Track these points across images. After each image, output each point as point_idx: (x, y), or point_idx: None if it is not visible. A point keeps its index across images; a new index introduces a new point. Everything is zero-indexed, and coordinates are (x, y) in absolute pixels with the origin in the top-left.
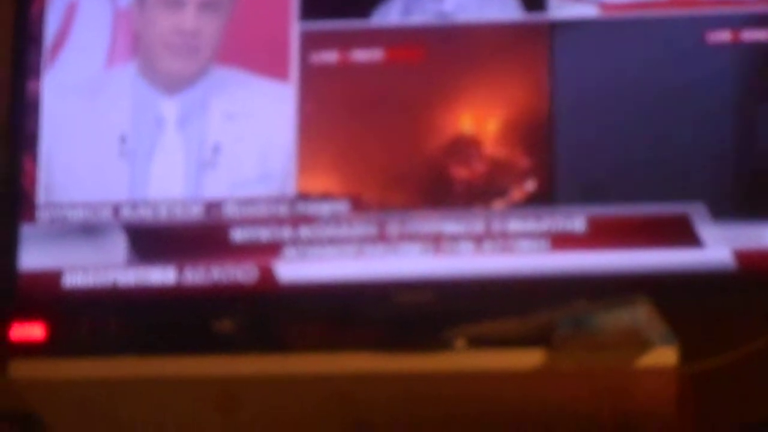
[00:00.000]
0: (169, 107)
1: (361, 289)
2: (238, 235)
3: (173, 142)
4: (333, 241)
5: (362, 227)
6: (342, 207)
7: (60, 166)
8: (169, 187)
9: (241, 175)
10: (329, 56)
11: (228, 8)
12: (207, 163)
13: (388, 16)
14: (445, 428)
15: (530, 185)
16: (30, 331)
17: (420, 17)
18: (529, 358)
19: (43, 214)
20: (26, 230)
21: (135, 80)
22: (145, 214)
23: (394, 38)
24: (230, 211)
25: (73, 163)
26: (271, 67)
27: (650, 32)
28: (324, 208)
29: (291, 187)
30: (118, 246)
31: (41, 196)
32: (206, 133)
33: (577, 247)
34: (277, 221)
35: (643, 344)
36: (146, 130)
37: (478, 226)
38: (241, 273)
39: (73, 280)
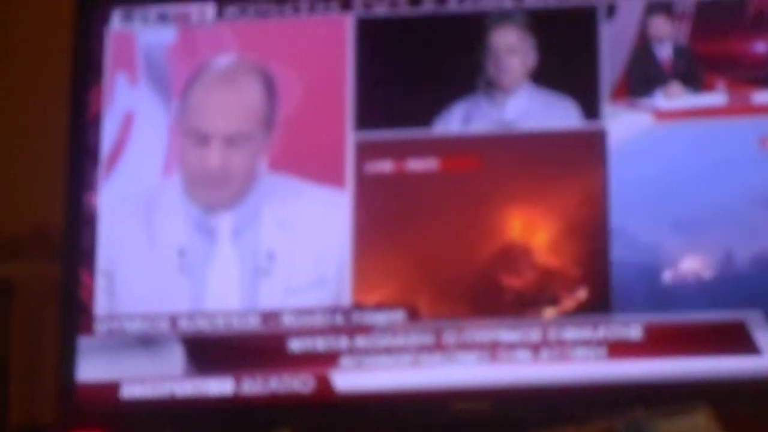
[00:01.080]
0: (221, 221)
1: (418, 399)
2: (295, 345)
3: (227, 253)
4: (389, 351)
5: (418, 336)
6: (398, 316)
7: (120, 278)
8: (226, 298)
9: (296, 281)
10: (384, 165)
11: (261, 137)
12: (262, 271)
13: (449, 125)
14: None
15: (582, 294)
16: None
17: (478, 125)
18: None
19: (101, 327)
20: (84, 342)
21: (182, 196)
22: (202, 325)
23: (448, 147)
24: (287, 321)
25: (133, 276)
26: (327, 174)
27: (705, 138)
28: (380, 318)
29: (347, 296)
30: (176, 357)
31: (101, 308)
32: (260, 241)
33: (634, 354)
34: (334, 331)
35: None
36: (200, 244)
37: (534, 334)
38: (298, 383)
39: (131, 391)
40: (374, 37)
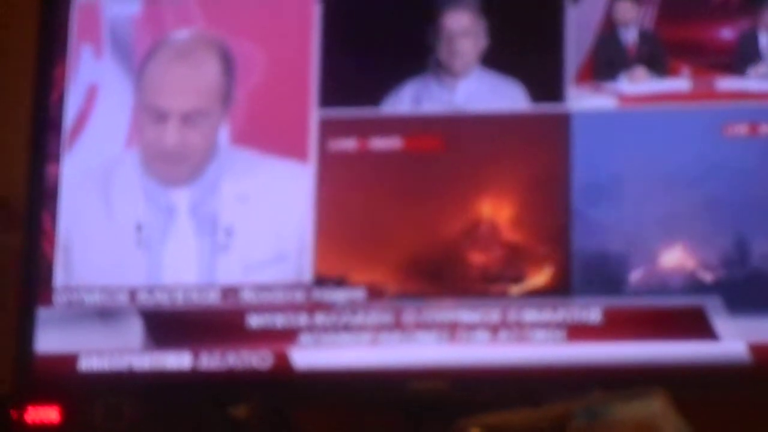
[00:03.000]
0: (178, 196)
1: (376, 377)
2: (255, 321)
3: (185, 228)
4: (348, 329)
5: (378, 315)
6: (358, 294)
7: (78, 250)
8: (183, 273)
9: (254, 257)
10: (348, 143)
11: (220, 113)
12: (220, 246)
13: (398, 104)
14: None
15: (547, 272)
16: (45, 414)
17: (428, 107)
18: None
19: (60, 298)
20: (43, 314)
21: (140, 170)
22: (161, 299)
23: (412, 127)
24: (247, 296)
25: (90, 248)
26: (289, 148)
27: (668, 123)
28: (340, 296)
29: (307, 273)
30: (134, 330)
31: (59, 279)
32: (218, 216)
33: (593, 338)
34: (294, 308)
35: None
36: (157, 218)
37: (494, 315)
38: (256, 359)
39: (89, 363)
40: (339, 14)
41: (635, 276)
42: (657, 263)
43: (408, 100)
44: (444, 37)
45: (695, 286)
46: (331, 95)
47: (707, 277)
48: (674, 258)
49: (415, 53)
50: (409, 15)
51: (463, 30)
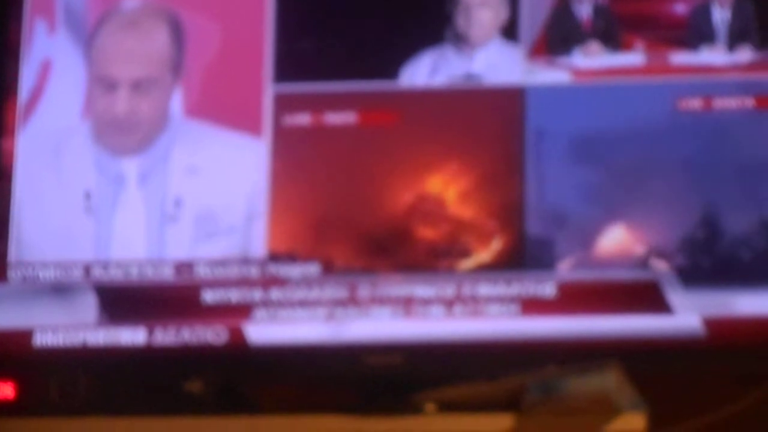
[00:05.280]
0: (128, 166)
1: (331, 352)
2: (209, 296)
3: (134, 199)
4: (303, 304)
5: (333, 290)
6: (313, 269)
7: (30, 223)
8: (132, 244)
9: (202, 229)
10: (302, 118)
11: (170, 82)
12: (169, 217)
13: (416, 76)
14: None
15: (496, 248)
16: (0, 390)
17: (443, 77)
18: (499, 423)
19: (14, 274)
20: None
21: (91, 140)
22: (115, 275)
23: (367, 102)
24: (201, 272)
25: (42, 221)
26: (243, 121)
27: (622, 98)
28: (295, 271)
29: (256, 247)
30: (89, 306)
31: (12, 254)
32: (167, 187)
33: (547, 312)
34: (248, 283)
35: (612, 410)
36: (107, 188)
37: (448, 290)
38: (211, 334)
39: (44, 339)
40: None
41: (589, 251)
42: (610, 238)
43: (425, 70)
44: (461, 7)
45: (650, 259)
46: (286, 69)
47: (660, 252)
48: (627, 233)
49: (432, 23)
50: None
51: (481, 0)
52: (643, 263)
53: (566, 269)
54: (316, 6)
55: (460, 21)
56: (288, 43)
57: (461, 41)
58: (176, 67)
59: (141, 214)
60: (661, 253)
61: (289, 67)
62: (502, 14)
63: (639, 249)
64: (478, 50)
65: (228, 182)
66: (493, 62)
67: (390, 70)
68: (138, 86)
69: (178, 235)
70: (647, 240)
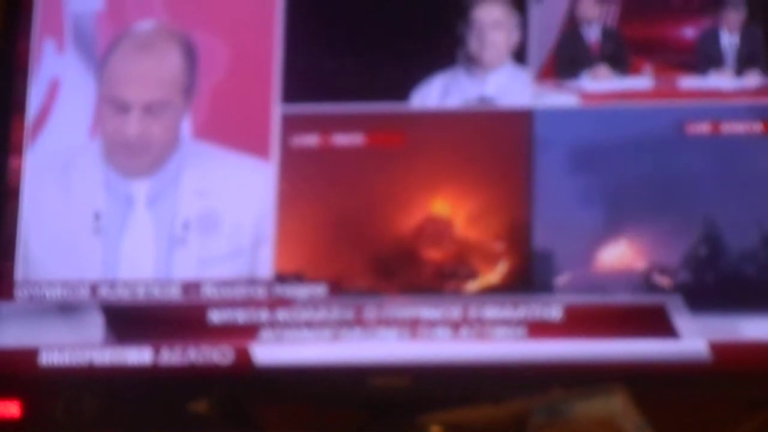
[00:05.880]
0: (138, 187)
1: (337, 373)
2: (215, 316)
3: (143, 220)
4: (310, 325)
5: (339, 311)
6: (319, 290)
7: (37, 242)
8: (140, 266)
9: (210, 252)
10: (310, 139)
11: (182, 105)
12: (177, 240)
13: (427, 99)
14: None
15: (502, 271)
16: (6, 408)
17: (456, 100)
18: None
19: (21, 292)
20: (4, 308)
21: (101, 161)
22: (122, 294)
23: (375, 124)
24: (208, 292)
25: (48, 239)
26: (252, 144)
27: (630, 122)
28: (301, 292)
29: (262, 269)
30: (95, 325)
31: (19, 273)
32: (176, 210)
33: (554, 335)
34: (255, 304)
35: None
36: (116, 209)
37: (454, 312)
38: (217, 354)
39: (50, 358)
40: (305, 8)
41: (597, 274)
42: (619, 261)
43: (437, 93)
44: (475, 28)
45: (656, 284)
46: (294, 90)
47: (668, 276)
48: (635, 256)
49: (444, 46)
50: (438, 7)
51: (494, 22)
52: (647, 284)
53: (572, 290)
54: (326, 27)
55: (473, 43)
56: (297, 63)
57: (473, 64)
58: (188, 89)
59: (150, 236)
60: (666, 274)
61: (297, 87)
62: (514, 37)
63: (644, 270)
64: (491, 73)
65: (235, 205)
66: (505, 85)
67: (400, 93)
68: (150, 109)
69: (185, 257)
70: (653, 261)
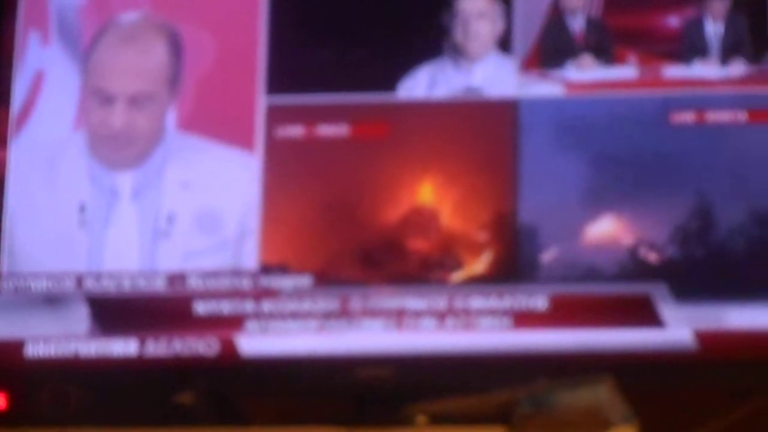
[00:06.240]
0: (122, 179)
1: (322, 364)
2: (201, 307)
3: (128, 212)
4: (295, 316)
5: (324, 302)
6: (305, 281)
7: (22, 234)
8: (125, 258)
9: (194, 244)
10: (295, 131)
11: (167, 97)
12: (161, 232)
13: (414, 90)
14: None
15: (487, 261)
16: None
17: (443, 90)
18: None
19: (6, 284)
20: None
21: (86, 153)
22: (107, 286)
23: (359, 114)
24: (193, 283)
25: (35, 232)
26: (236, 136)
27: (615, 110)
28: (287, 283)
29: (247, 261)
30: (81, 317)
31: (4, 265)
32: (161, 202)
33: (539, 325)
34: (240, 295)
35: (603, 423)
36: (101, 201)
37: (440, 302)
38: (202, 346)
39: (35, 350)
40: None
41: (582, 264)
42: (603, 250)
43: (423, 84)
44: (459, 19)
45: (642, 273)
46: (279, 82)
47: (654, 264)
48: (620, 245)
49: (429, 36)
50: None
51: (479, 12)
52: (634, 276)
53: (559, 271)
54: (311, 19)
55: (458, 33)
56: (281, 55)
57: (459, 54)
58: (173, 81)
59: (134, 228)
60: (652, 266)
61: (282, 79)
62: (499, 26)
63: (631, 261)
64: (477, 63)
65: (220, 198)
66: (491, 75)
67: (387, 84)
68: (134, 101)
69: (169, 250)
70: (638, 252)
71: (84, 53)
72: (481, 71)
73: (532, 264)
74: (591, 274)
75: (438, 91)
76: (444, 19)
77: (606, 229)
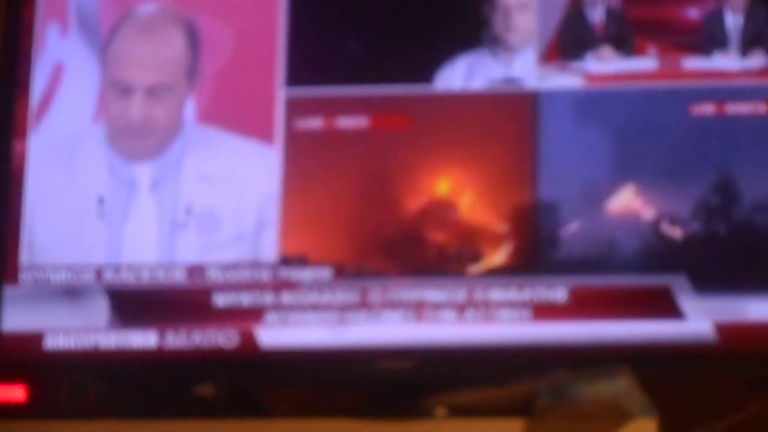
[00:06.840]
0: (141, 171)
1: (342, 356)
2: (220, 299)
3: (146, 204)
4: (315, 308)
5: (344, 294)
6: (324, 273)
7: (42, 226)
8: (143, 250)
9: (213, 236)
10: (314, 123)
11: (185, 88)
12: (180, 224)
13: (451, 80)
14: None
15: (507, 253)
16: (11, 392)
17: (481, 81)
18: (510, 428)
19: (26, 276)
20: (9, 292)
21: (105, 145)
22: (127, 278)
23: (379, 106)
24: (213, 275)
25: (54, 224)
26: (256, 128)
27: (635, 103)
28: (306, 275)
29: (265, 254)
30: (100, 309)
31: (24, 257)
32: (179, 194)
33: (559, 317)
34: (259, 287)
35: (623, 415)
36: (120, 193)
37: (460, 294)
38: (222, 338)
39: (55, 342)
40: None
41: (603, 256)
42: (624, 243)
43: (461, 74)
44: (500, 10)
45: (662, 265)
46: (298, 73)
47: (674, 256)
48: (641, 238)
49: (468, 27)
50: None
51: (521, 3)
52: (654, 268)
53: (578, 270)
54: (330, 9)
55: (498, 24)
56: (301, 46)
57: (498, 45)
58: (191, 72)
59: (152, 220)
60: (672, 258)
61: (301, 70)
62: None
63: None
64: (517, 54)
65: (238, 190)
66: (531, 66)
67: (420, 75)
68: (153, 92)
69: (188, 242)
70: (659, 243)
71: (102, 45)
72: (520, 62)
73: (551, 256)
74: (610, 265)
75: (476, 82)
76: (483, 10)
77: (627, 222)
